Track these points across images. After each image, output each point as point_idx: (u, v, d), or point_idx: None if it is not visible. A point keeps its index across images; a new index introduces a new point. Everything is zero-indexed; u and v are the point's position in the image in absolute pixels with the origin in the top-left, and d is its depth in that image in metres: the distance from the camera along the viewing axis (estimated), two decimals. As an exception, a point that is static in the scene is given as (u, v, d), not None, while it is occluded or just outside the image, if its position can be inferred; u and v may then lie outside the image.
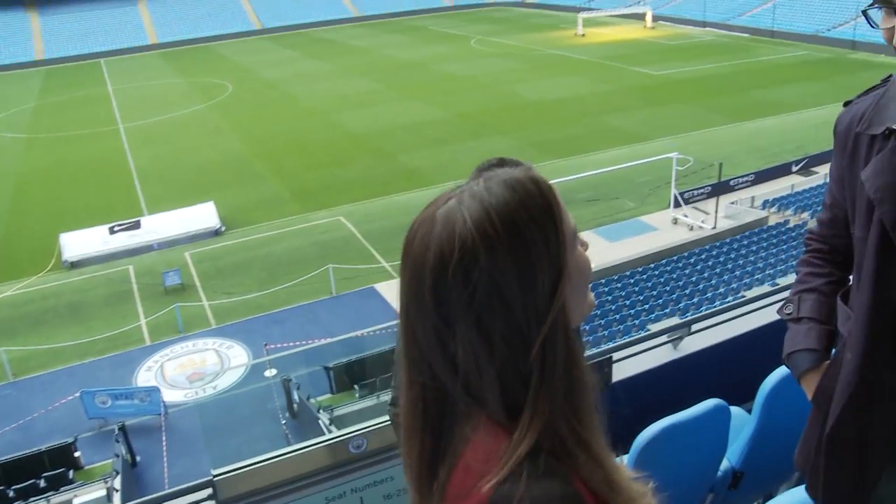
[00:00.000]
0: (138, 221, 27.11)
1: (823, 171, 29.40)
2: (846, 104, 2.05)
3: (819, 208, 24.63)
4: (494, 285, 1.04)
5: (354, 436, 3.08)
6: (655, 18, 68.07)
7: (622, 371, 4.00)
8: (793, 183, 28.56)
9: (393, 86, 47.35)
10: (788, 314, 2.14)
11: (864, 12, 1.80)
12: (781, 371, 2.82)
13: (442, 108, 41.23)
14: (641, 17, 68.17)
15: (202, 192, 29.78)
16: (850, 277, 2.07)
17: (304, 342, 19.04)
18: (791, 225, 24.54)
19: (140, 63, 64.97)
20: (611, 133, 35.09)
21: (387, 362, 17.57)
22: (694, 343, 3.93)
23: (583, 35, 62.92)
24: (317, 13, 79.40)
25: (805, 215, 24.96)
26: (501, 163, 1.48)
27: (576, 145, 33.30)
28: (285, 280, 22.81)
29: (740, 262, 21.75)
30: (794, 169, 29.79)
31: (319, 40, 69.00)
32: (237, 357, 19.57)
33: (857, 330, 1.85)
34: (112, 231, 26.36)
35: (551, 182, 1.14)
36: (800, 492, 2.31)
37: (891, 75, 1.94)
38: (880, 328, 1.81)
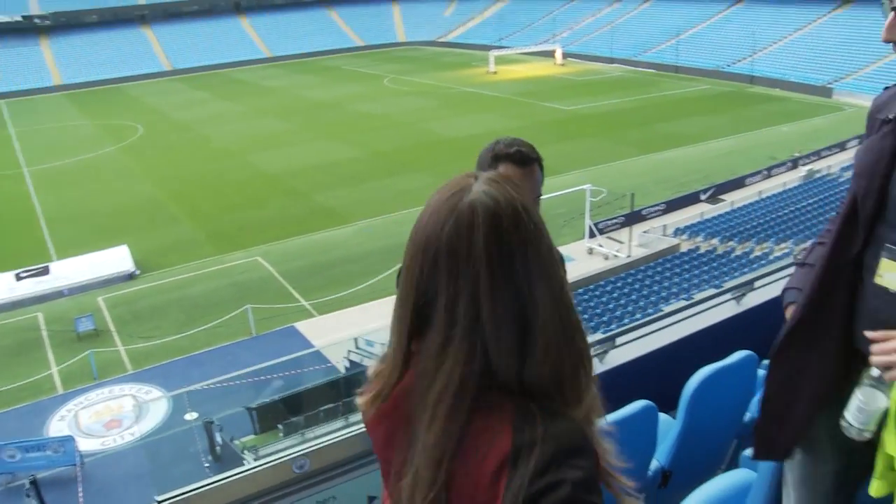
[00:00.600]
0: (47, 267, 26.38)
1: (731, 198, 30.76)
2: (886, 88, 2.23)
3: (727, 234, 25.71)
4: (534, 257, 1.20)
5: (297, 456, 3.16)
6: (565, 55, 69.73)
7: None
8: (702, 211, 29.72)
9: (307, 126, 47.32)
10: (799, 259, 2.35)
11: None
12: (703, 373, 2.99)
13: (356, 146, 41.37)
14: (551, 54, 69.67)
15: (115, 236, 29.13)
16: None
17: (225, 384, 18.78)
18: (702, 251, 25.46)
19: (45, 104, 63.31)
20: (524, 168, 35.67)
21: (310, 400, 17.51)
22: (619, 356, 4.13)
23: (495, 72, 64.13)
24: (229, 54, 78.87)
25: (714, 241, 25.92)
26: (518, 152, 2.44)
27: (491, 181, 33.76)
28: (204, 322, 22.47)
29: (655, 287, 22.39)
30: (703, 197, 31.00)
31: (232, 81, 68.50)
32: (156, 402, 19.15)
33: (812, 276, 2.10)
34: (19, 277, 25.57)
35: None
36: (729, 476, 2.52)
37: None
38: (829, 279, 2.06)
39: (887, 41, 1.90)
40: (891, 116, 2.00)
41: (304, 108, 53.03)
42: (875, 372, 1.90)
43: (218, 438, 16.48)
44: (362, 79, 64.99)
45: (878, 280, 2.00)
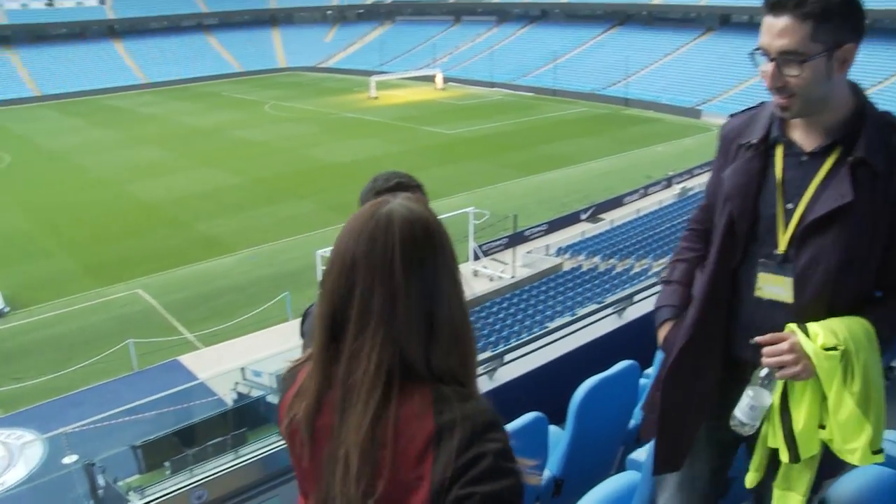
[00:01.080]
0: None
1: (610, 217, 31.76)
2: (731, 116, 2.42)
3: (607, 252, 26.54)
4: (441, 259, 1.37)
5: (195, 486, 3.15)
6: (446, 80, 70.61)
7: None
8: (583, 230, 30.64)
9: (187, 153, 46.16)
10: (664, 277, 2.54)
11: (751, 53, 2.11)
12: (588, 384, 3.14)
13: (238, 174, 40.71)
14: (432, 78, 70.47)
15: (-19, 272, 27.74)
16: None
17: (106, 422, 18.09)
18: (584, 269, 26.17)
19: None
20: (408, 192, 35.82)
21: (198, 434, 17.07)
22: (508, 372, 4.23)
23: (376, 97, 64.35)
24: (102, 79, 75.97)
25: (596, 259, 26.73)
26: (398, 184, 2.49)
27: (375, 206, 33.70)
28: (81, 359, 21.54)
29: (540, 306, 22.86)
30: (583, 217, 31.96)
31: (106, 108, 66.11)
32: (30, 447, 18.26)
33: (700, 292, 2.31)
34: None
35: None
36: (617, 479, 2.68)
37: (763, 102, 2.30)
38: (713, 297, 2.28)
39: (772, 88, 2.07)
40: (754, 141, 2.21)
41: (184, 136, 51.74)
42: (763, 372, 2.08)
43: (100, 481, 15.80)
44: (242, 105, 64.08)
45: (759, 293, 2.21)
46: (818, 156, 2.12)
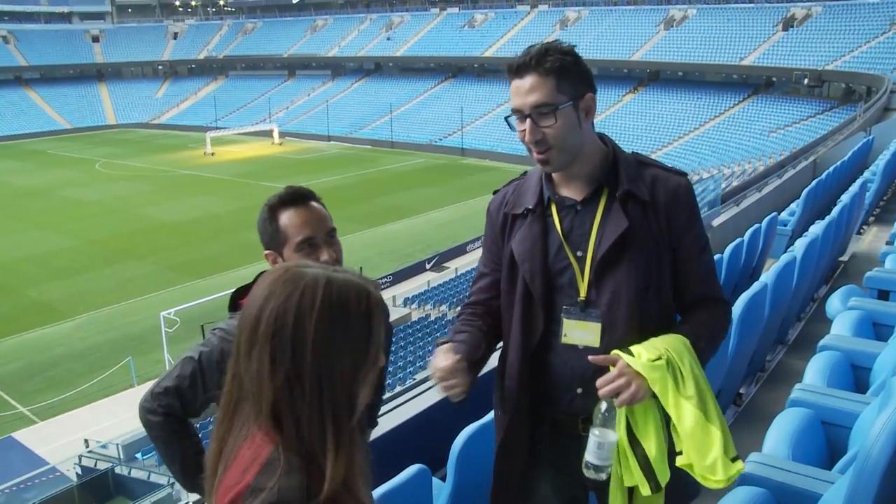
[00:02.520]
0: None
1: (454, 265, 32.48)
2: (495, 192, 2.59)
3: (455, 300, 27.07)
4: (320, 342, 1.27)
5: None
6: (282, 135, 70.43)
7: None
8: (428, 279, 31.24)
9: (13, 215, 43.77)
10: (442, 340, 2.41)
11: (507, 119, 2.28)
12: (467, 431, 3.14)
13: (70, 235, 39.05)
14: (268, 133, 70.12)
15: None
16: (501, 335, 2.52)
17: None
18: (433, 318, 26.73)
19: None
20: (250, 248, 35.40)
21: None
22: (384, 423, 4.29)
23: (212, 154, 63.45)
24: None
25: (444, 307, 27.31)
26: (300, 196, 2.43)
27: (217, 263, 33.25)
28: None
29: (392, 358, 23.13)
30: (428, 266, 32.59)
31: (-85, 168, 61.77)
32: None
33: (515, 359, 2.39)
34: None
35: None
36: None
37: (527, 171, 2.48)
38: (527, 353, 2.36)
39: (531, 143, 2.23)
40: (530, 206, 2.37)
41: (8, 196, 48.99)
42: (603, 406, 2.11)
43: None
44: (72, 163, 61.38)
45: (565, 340, 2.31)
46: (590, 202, 2.30)
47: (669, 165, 2.38)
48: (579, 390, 2.31)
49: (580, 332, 2.29)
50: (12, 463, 19.27)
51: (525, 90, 2.18)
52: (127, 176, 55.32)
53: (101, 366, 23.39)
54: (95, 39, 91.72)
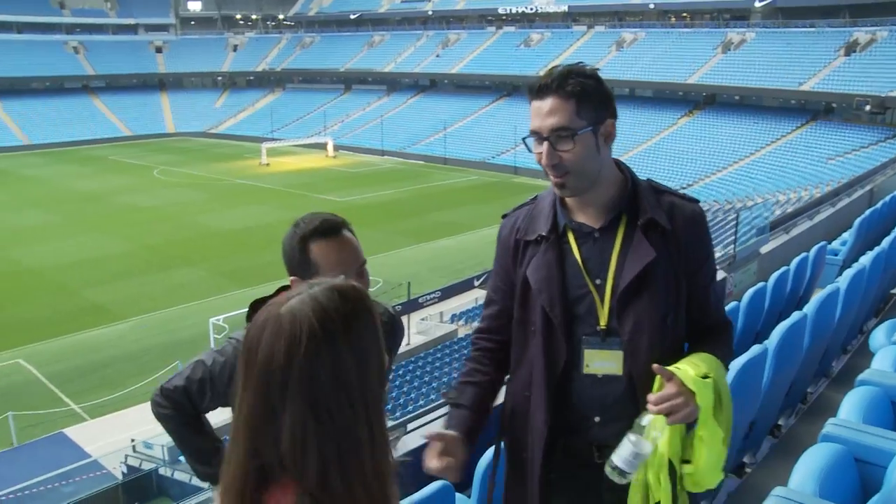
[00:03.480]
0: None
1: (503, 283, 32.21)
2: (504, 216, 2.58)
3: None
4: (334, 372, 1.20)
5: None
6: (336, 148, 70.84)
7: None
8: (476, 296, 30.90)
9: (73, 218, 44.98)
10: (452, 398, 2.48)
11: (524, 140, 2.32)
12: (493, 449, 3.02)
13: (127, 240, 39.95)
14: (323, 146, 70.61)
15: None
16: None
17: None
18: (479, 336, 26.47)
19: None
20: (301, 260, 35.80)
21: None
22: (412, 441, 4.28)
23: (267, 164, 64.16)
24: (-23, 140, 73.41)
25: (490, 326, 27.15)
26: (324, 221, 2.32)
27: (267, 272, 33.39)
28: (-47, 435, 20.56)
29: (436, 374, 23.25)
30: (476, 283, 32.20)
31: (-15, 169, 63.80)
32: None
33: (539, 395, 2.34)
34: None
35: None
36: None
37: (537, 195, 2.47)
38: (553, 383, 2.32)
39: (548, 166, 2.23)
40: (543, 233, 2.33)
41: (70, 200, 50.34)
42: (645, 420, 2.07)
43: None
44: (131, 170, 62.84)
45: (587, 370, 2.28)
46: (608, 230, 2.27)
47: (682, 192, 2.39)
48: (597, 419, 2.30)
49: (602, 362, 2.27)
50: (61, 458, 19.67)
51: (545, 112, 2.17)
52: (183, 183, 56.40)
53: (151, 368, 23.81)
54: (159, 50, 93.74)
